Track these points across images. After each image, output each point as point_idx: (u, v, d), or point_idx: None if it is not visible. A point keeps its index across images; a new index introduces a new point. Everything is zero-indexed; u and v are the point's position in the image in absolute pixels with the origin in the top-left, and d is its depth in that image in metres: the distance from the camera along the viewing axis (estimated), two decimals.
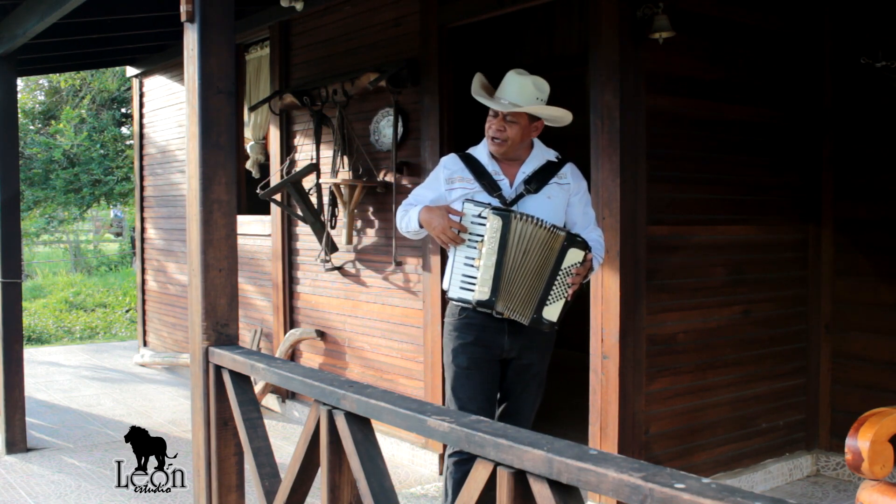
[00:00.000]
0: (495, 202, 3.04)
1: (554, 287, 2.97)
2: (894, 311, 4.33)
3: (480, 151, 3.17)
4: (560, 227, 3.01)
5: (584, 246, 2.99)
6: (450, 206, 3.08)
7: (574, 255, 2.97)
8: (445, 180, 3.15)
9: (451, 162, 3.18)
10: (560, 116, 3.11)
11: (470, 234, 2.99)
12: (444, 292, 3.20)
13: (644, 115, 3.83)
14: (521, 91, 3.05)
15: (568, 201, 3.14)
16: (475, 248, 2.97)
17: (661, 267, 3.96)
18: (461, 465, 3.05)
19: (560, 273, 2.97)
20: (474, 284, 2.96)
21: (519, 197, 3.06)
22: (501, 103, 3.04)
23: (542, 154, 3.17)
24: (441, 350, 3.22)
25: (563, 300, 3.01)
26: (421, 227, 3.09)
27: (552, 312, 3.00)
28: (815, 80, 4.57)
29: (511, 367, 3.13)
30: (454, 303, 3.09)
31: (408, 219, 3.17)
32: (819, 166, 4.59)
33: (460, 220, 3.00)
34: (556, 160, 3.17)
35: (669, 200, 3.99)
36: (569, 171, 3.16)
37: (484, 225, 2.95)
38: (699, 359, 4.13)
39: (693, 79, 4.07)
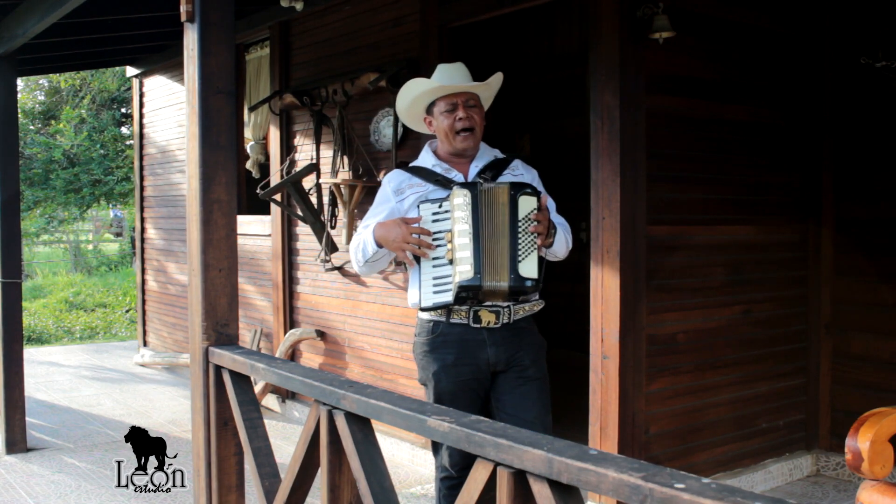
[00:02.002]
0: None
1: (520, 239, 2.76)
2: (894, 311, 4.33)
3: (424, 159, 3.02)
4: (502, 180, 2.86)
5: (533, 192, 2.80)
6: (405, 215, 2.88)
7: (527, 203, 2.78)
8: (395, 192, 2.93)
9: (395, 175, 2.99)
10: (495, 87, 3.05)
11: (434, 234, 2.78)
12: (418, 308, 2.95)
13: (644, 115, 3.82)
14: (465, 73, 2.98)
15: None
16: (443, 244, 2.79)
17: (661, 267, 3.95)
18: (454, 489, 2.85)
19: (520, 223, 2.76)
20: (449, 281, 2.77)
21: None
22: (462, 84, 2.91)
23: (489, 151, 3.05)
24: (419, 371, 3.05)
25: (535, 253, 2.78)
26: (380, 245, 2.81)
27: (528, 269, 2.76)
28: (814, 80, 4.57)
29: (503, 381, 2.88)
30: (425, 318, 2.89)
31: (363, 245, 2.87)
32: (819, 166, 4.59)
33: (419, 225, 2.79)
34: (502, 156, 3.06)
35: (669, 200, 3.98)
36: (519, 164, 3.04)
37: (447, 217, 2.78)
38: (699, 359, 4.13)
39: (693, 79, 4.07)
